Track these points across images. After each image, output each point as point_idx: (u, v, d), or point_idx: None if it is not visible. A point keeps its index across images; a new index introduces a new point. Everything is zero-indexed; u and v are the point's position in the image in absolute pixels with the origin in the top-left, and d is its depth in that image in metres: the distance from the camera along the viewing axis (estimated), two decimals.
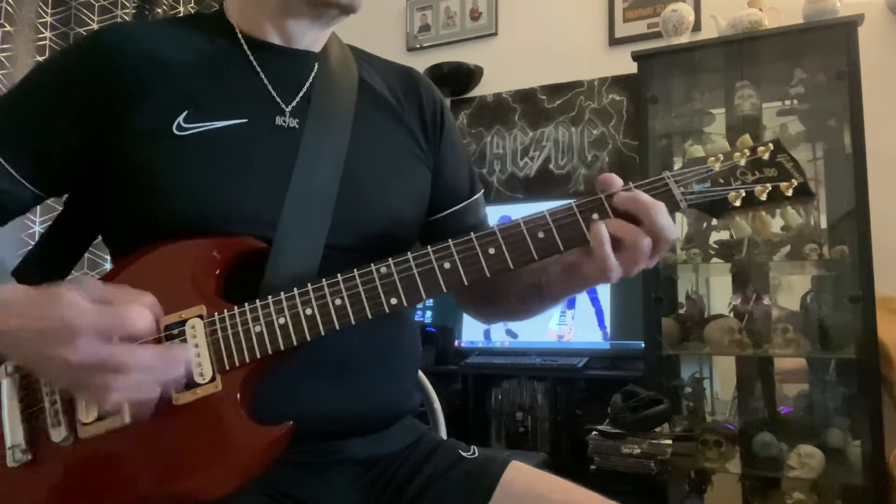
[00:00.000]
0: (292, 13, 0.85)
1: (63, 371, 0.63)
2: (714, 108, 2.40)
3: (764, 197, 0.73)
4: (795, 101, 2.29)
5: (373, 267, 0.73)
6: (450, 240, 0.74)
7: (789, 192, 0.73)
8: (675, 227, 0.72)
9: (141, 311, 0.65)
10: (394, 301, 0.72)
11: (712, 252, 2.24)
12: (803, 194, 0.73)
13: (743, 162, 0.74)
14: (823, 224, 2.20)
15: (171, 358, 0.66)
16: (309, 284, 0.72)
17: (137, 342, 0.64)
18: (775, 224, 2.11)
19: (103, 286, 0.66)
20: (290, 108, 0.83)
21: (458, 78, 2.95)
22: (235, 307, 0.72)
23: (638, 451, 1.88)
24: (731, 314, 2.22)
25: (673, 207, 0.73)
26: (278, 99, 0.83)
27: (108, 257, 2.08)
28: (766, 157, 0.74)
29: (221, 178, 0.77)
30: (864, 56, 2.03)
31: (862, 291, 1.95)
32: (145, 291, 0.68)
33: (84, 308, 0.62)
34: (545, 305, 0.88)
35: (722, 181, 0.74)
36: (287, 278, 0.74)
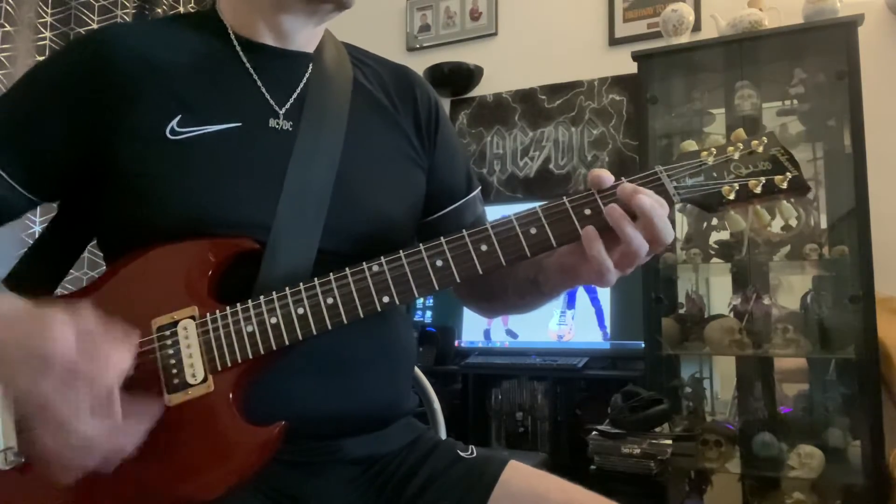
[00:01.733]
0: (286, 9, 0.84)
1: (25, 398, 0.63)
2: (714, 108, 2.40)
3: (758, 190, 0.73)
4: (795, 101, 2.29)
5: (365, 266, 0.73)
6: (442, 237, 0.74)
7: (784, 185, 0.72)
8: (673, 227, 0.71)
9: (116, 361, 0.64)
10: (386, 299, 0.72)
11: (712, 252, 2.24)
12: (798, 187, 0.73)
13: (737, 155, 0.74)
14: (823, 224, 2.20)
15: (115, 446, 0.64)
16: (301, 284, 0.72)
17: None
18: (775, 224, 2.11)
19: (94, 322, 0.65)
20: (283, 110, 0.83)
21: (458, 78, 2.95)
22: (227, 308, 0.72)
23: (638, 451, 1.88)
24: (731, 314, 2.22)
25: (666, 202, 0.72)
26: (272, 101, 0.83)
27: None
28: (760, 150, 0.74)
29: (215, 182, 0.77)
30: (864, 56, 2.02)
31: (862, 291, 1.95)
32: (134, 331, 0.67)
33: (66, 349, 0.62)
34: (544, 300, 0.88)
35: (715, 175, 0.74)
36: (281, 280, 0.74)
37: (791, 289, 2.33)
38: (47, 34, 2.15)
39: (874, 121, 2.06)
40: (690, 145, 0.76)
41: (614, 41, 2.78)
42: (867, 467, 1.93)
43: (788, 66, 2.25)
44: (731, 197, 0.73)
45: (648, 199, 0.70)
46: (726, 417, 2.29)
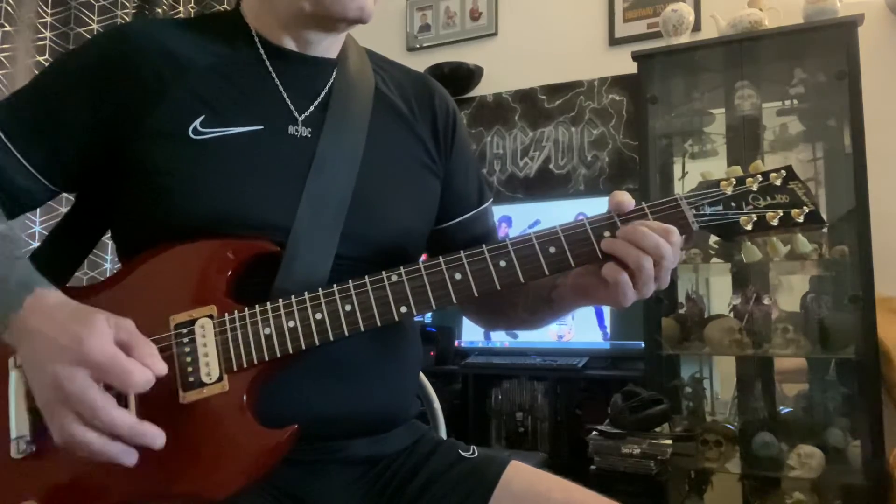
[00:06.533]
0: (304, 24, 0.85)
1: (48, 387, 0.64)
2: (714, 108, 2.40)
3: (775, 222, 0.75)
4: (795, 101, 2.30)
5: (384, 275, 0.74)
6: (462, 251, 0.75)
7: (800, 219, 0.75)
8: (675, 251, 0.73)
9: (146, 372, 0.65)
10: (403, 310, 0.73)
11: (712, 252, 2.24)
12: (814, 221, 0.75)
13: (755, 187, 0.76)
14: None
15: (140, 433, 0.65)
16: (320, 289, 0.73)
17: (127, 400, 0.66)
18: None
19: (134, 331, 0.67)
20: (303, 117, 0.83)
21: (458, 78, 2.95)
22: (246, 309, 0.73)
23: (638, 451, 1.89)
24: (731, 314, 2.22)
25: (685, 229, 0.75)
26: (292, 107, 0.83)
27: (109, 257, 2.07)
28: (777, 182, 0.76)
29: (236, 183, 0.77)
30: (864, 56, 2.03)
31: (862, 291, 1.96)
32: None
33: (105, 345, 0.63)
34: (553, 317, 0.90)
35: (734, 205, 0.76)
36: (298, 284, 0.74)
37: (791, 289, 2.34)
38: (47, 34, 2.15)
39: (874, 121, 2.07)
40: (710, 175, 0.79)
41: (614, 41, 2.79)
42: (867, 467, 1.93)
43: (788, 66, 2.25)
44: (749, 228, 0.75)
45: (653, 239, 0.72)
46: (726, 417, 2.29)
